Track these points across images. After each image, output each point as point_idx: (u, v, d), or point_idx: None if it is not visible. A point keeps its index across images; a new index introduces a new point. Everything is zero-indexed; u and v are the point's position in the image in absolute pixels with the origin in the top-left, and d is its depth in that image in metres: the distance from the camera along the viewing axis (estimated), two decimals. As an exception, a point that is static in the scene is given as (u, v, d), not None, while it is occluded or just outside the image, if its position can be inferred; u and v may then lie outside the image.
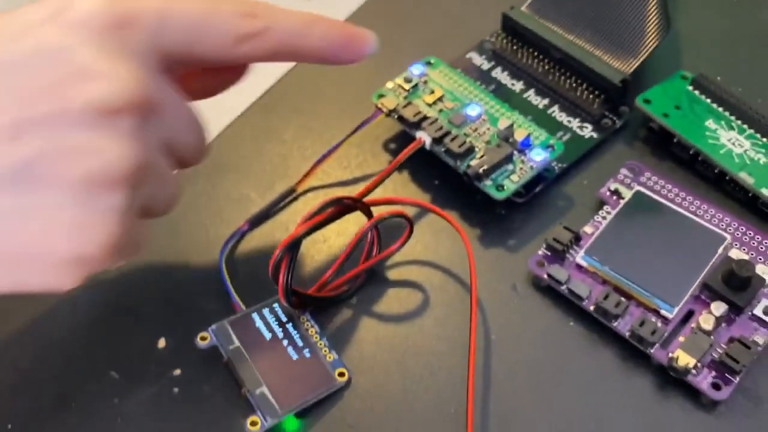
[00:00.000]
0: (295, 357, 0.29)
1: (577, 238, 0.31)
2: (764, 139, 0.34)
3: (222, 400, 0.29)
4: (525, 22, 0.37)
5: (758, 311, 0.29)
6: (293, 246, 0.29)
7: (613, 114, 0.36)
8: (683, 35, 0.40)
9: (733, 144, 0.34)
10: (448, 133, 0.33)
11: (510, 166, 0.33)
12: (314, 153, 0.35)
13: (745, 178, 0.32)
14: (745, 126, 0.34)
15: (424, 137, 0.33)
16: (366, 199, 0.31)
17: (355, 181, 0.35)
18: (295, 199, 0.35)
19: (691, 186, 0.34)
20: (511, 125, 0.33)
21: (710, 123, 0.34)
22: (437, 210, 0.31)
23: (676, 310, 0.29)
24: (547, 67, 0.37)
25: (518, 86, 0.37)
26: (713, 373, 0.28)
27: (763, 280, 0.30)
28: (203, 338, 0.30)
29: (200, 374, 0.30)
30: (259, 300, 0.31)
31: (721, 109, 0.35)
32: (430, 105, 0.35)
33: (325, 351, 0.30)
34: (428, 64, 0.36)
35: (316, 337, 0.30)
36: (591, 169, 0.35)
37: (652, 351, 0.29)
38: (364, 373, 0.29)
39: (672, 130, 0.34)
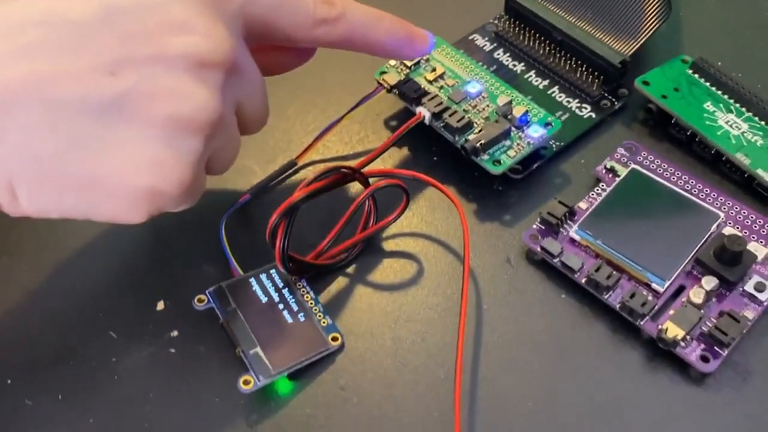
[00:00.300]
0: (290, 320, 0.30)
1: (572, 213, 0.32)
2: (762, 122, 0.34)
3: (217, 361, 0.30)
4: (528, 4, 0.38)
5: (749, 287, 0.29)
6: (290, 211, 0.29)
7: (613, 96, 0.36)
8: (685, 21, 0.40)
9: (731, 126, 0.34)
10: (447, 109, 0.34)
11: (507, 142, 0.33)
12: (317, 128, 0.36)
13: (741, 158, 0.33)
14: (744, 109, 0.34)
15: (423, 112, 0.34)
16: (364, 170, 0.32)
17: (355, 155, 0.36)
18: (296, 171, 0.35)
19: (688, 166, 0.34)
20: (510, 102, 0.34)
21: (708, 105, 0.35)
22: (432, 181, 0.31)
23: (667, 283, 0.30)
24: (548, 49, 0.38)
25: (519, 67, 0.38)
26: (702, 346, 0.28)
27: (755, 256, 0.30)
28: (200, 300, 0.30)
29: (196, 336, 0.30)
30: (258, 267, 0.31)
31: (720, 92, 0.35)
32: (430, 82, 0.35)
33: (320, 316, 0.30)
34: (431, 43, 0.37)
35: (311, 303, 0.31)
36: (589, 149, 0.35)
37: (641, 323, 0.29)
38: (357, 339, 0.30)
39: (670, 112, 0.34)
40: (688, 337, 0.28)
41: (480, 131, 0.33)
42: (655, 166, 0.34)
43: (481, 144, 0.32)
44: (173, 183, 0.25)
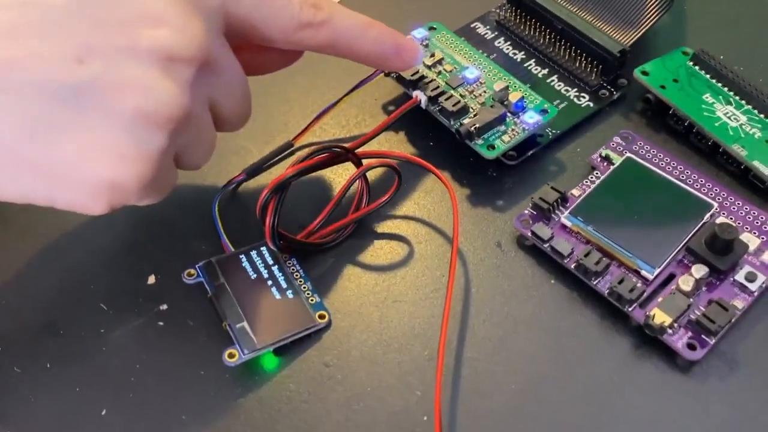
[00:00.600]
0: (277, 297, 0.30)
1: (564, 200, 0.32)
2: (761, 115, 0.34)
3: (204, 334, 0.30)
4: (530, -7, 0.38)
5: (740, 277, 0.29)
6: (281, 188, 0.29)
7: (612, 86, 0.36)
8: (689, 14, 0.40)
9: (729, 118, 0.34)
10: (443, 93, 0.34)
11: (502, 127, 0.33)
12: (315, 111, 0.36)
13: (738, 150, 0.32)
14: (743, 102, 0.34)
15: (420, 96, 0.34)
16: (359, 152, 0.32)
17: (351, 139, 0.36)
18: (292, 153, 0.36)
19: (684, 157, 0.34)
20: (506, 87, 0.34)
21: (707, 97, 0.34)
22: (424, 163, 0.31)
23: (657, 271, 0.29)
24: (549, 38, 0.38)
25: (519, 56, 0.38)
26: (689, 334, 0.28)
27: (747, 246, 0.30)
28: (190, 274, 0.30)
29: (185, 309, 0.30)
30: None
31: (720, 84, 0.35)
32: (429, 67, 0.35)
33: (308, 294, 0.30)
34: (431, 29, 0.37)
35: (300, 281, 0.31)
36: (585, 138, 0.35)
37: (629, 310, 0.29)
38: (344, 317, 0.30)
39: (668, 102, 0.34)
40: (675, 325, 0.28)
41: (475, 116, 0.33)
42: (651, 156, 0.33)
43: (475, 128, 0.32)
44: (133, 177, 0.25)
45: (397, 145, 0.36)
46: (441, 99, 0.33)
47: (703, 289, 0.29)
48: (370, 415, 0.28)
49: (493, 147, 0.32)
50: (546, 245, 0.31)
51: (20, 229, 0.33)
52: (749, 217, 0.31)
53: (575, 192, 0.32)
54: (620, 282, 0.29)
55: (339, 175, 0.34)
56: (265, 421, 0.28)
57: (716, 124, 0.33)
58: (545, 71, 0.37)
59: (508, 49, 0.38)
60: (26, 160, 0.24)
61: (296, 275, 0.31)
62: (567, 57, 0.37)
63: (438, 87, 0.34)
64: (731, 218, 0.31)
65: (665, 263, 0.30)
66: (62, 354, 0.29)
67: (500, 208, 0.33)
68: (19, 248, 0.32)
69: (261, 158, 0.35)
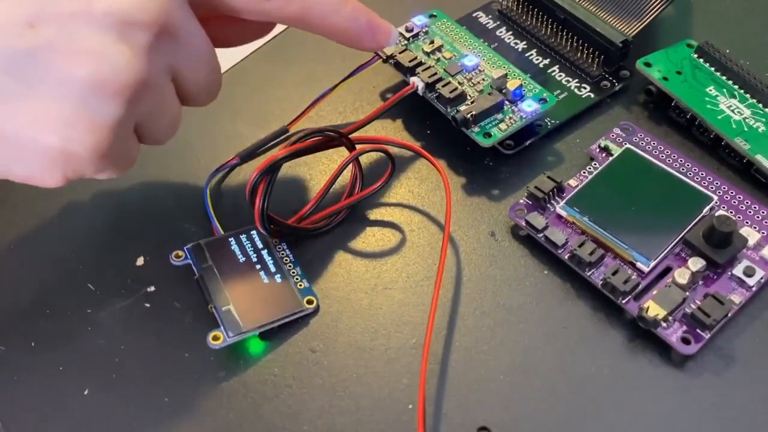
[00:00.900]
0: (265, 281, 0.29)
1: (560, 189, 0.31)
2: (766, 109, 0.33)
3: (191, 317, 0.29)
4: (532, -18, 0.37)
5: (738, 271, 0.29)
6: (271, 169, 0.29)
7: (614, 77, 0.36)
8: (693, 7, 0.39)
9: (732, 111, 0.33)
10: (440, 80, 0.33)
11: (499, 116, 0.32)
12: (312, 97, 0.35)
13: (741, 143, 0.32)
14: (748, 95, 0.33)
15: (417, 82, 0.33)
16: (353, 137, 0.31)
17: (348, 125, 0.35)
18: (287, 138, 0.35)
19: (685, 150, 0.33)
20: (505, 75, 0.33)
21: (711, 90, 0.34)
22: (418, 149, 0.31)
23: (653, 263, 0.29)
24: (551, 29, 0.37)
25: (521, 46, 0.37)
26: (684, 328, 0.27)
27: (745, 240, 0.29)
28: (178, 256, 0.30)
29: (173, 292, 0.30)
30: (240, 229, 0.31)
31: (724, 77, 0.34)
32: (428, 54, 0.35)
33: (297, 279, 0.30)
34: (431, 16, 0.37)
35: (289, 266, 0.30)
36: (585, 129, 0.34)
37: (623, 302, 0.28)
38: (332, 303, 0.30)
39: (671, 94, 0.33)
40: (670, 318, 0.28)
41: (472, 103, 0.32)
42: (651, 148, 0.33)
43: (471, 115, 0.32)
44: (87, 146, 0.24)
45: (393, 132, 0.35)
46: (438, 86, 0.33)
47: (700, 282, 0.29)
48: (354, 402, 0.27)
49: (489, 135, 0.32)
50: (540, 235, 0.30)
51: (11, 207, 0.33)
52: (750, 211, 0.30)
53: (572, 182, 0.32)
54: (614, 273, 0.28)
55: (334, 161, 0.34)
56: (248, 405, 0.27)
57: (719, 117, 0.33)
58: (546, 61, 0.36)
59: (509, 38, 0.37)
60: None
61: (286, 260, 0.30)
62: (569, 47, 0.36)
63: (436, 74, 0.33)
64: (731, 212, 0.30)
65: (661, 255, 0.29)
66: (47, 333, 0.29)
67: (495, 198, 0.32)
68: (9, 227, 0.32)
69: (255, 143, 0.34)
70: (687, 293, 0.28)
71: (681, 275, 0.28)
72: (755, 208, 0.30)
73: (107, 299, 0.30)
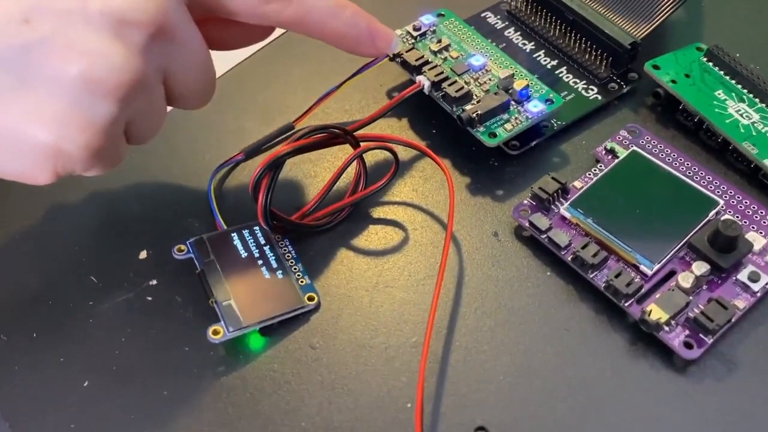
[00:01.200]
0: (267, 276, 0.29)
1: (565, 191, 0.31)
2: (775, 114, 0.33)
3: (191, 311, 0.29)
4: (542, -17, 0.37)
5: (743, 276, 0.28)
6: (275, 165, 0.29)
7: (622, 79, 0.35)
8: (704, 10, 0.39)
9: (741, 115, 0.33)
10: (447, 79, 0.33)
11: (505, 116, 0.32)
12: (319, 94, 0.35)
13: (749, 148, 0.31)
14: (757, 99, 0.33)
15: (423, 81, 0.33)
16: (358, 134, 0.31)
17: (353, 123, 0.35)
18: (293, 135, 0.35)
19: (692, 154, 0.33)
20: (512, 75, 0.33)
21: (720, 93, 0.33)
22: (423, 148, 0.31)
23: (656, 266, 0.28)
24: (559, 30, 0.37)
25: (529, 47, 0.37)
26: (687, 332, 0.27)
27: (751, 245, 0.29)
28: (180, 250, 0.30)
29: (174, 286, 0.30)
30: (243, 224, 0.31)
31: (733, 81, 0.34)
32: (435, 53, 0.35)
33: (299, 275, 0.30)
34: (439, 15, 0.36)
35: (291, 262, 0.30)
36: (591, 131, 0.34)
37: (626, 305, 0.28)
38: (333, 300, 0.29)
39: (679, 97, 0.33)
40: (673, 322, 0.27)
41: (478, 102, 0.32)
42: (657, 151, 0.32)
43: (477, 115, 0.32)
44: (79, 144, 0.24)
45: (399, 131, 0.35)
46: (444, 85, 0.33)
47: (704, 287, 0.28)
48: (353, 399, 0.27)
49: (494, 135, 0.32)
50: (543, 236, 0.30)
51: (15, 199, 0.33)
52: (756, 216, 0.30)
53: (577, 184, 0.31)
54: (617, 276, 0.28)
55: (338, 159, 0.34)
56: (247, 400, 0.27)
57: (727, 121, 0.32)
58: (554, 62, 0.36)
59: (518, 39, 0.37)
60: None
61: (288, 256, 0.30)
62: (577, 49, 0.36)
63: (442, 72, 0.33)
64: (737, 216, 0.30)
65: (665, 259, 0.29)
66: (49, 324, 0.29)
67: (500, 198, 0.32)
68: (13, 218, 0.32)
69: (260, 139, 0.34)
70: (690, 297, 0.28)
71: (685, 279, 0.28)
72: (762, 213, 0.30)
73: (109, 292, 0.30)
